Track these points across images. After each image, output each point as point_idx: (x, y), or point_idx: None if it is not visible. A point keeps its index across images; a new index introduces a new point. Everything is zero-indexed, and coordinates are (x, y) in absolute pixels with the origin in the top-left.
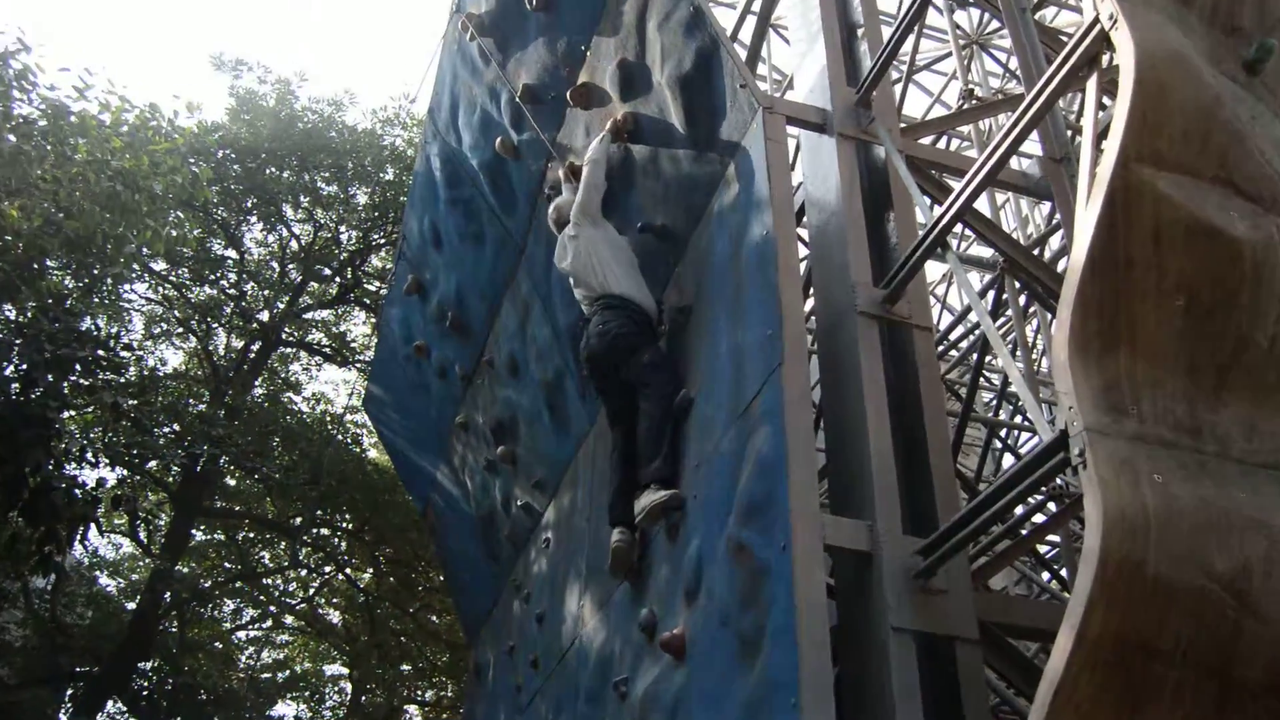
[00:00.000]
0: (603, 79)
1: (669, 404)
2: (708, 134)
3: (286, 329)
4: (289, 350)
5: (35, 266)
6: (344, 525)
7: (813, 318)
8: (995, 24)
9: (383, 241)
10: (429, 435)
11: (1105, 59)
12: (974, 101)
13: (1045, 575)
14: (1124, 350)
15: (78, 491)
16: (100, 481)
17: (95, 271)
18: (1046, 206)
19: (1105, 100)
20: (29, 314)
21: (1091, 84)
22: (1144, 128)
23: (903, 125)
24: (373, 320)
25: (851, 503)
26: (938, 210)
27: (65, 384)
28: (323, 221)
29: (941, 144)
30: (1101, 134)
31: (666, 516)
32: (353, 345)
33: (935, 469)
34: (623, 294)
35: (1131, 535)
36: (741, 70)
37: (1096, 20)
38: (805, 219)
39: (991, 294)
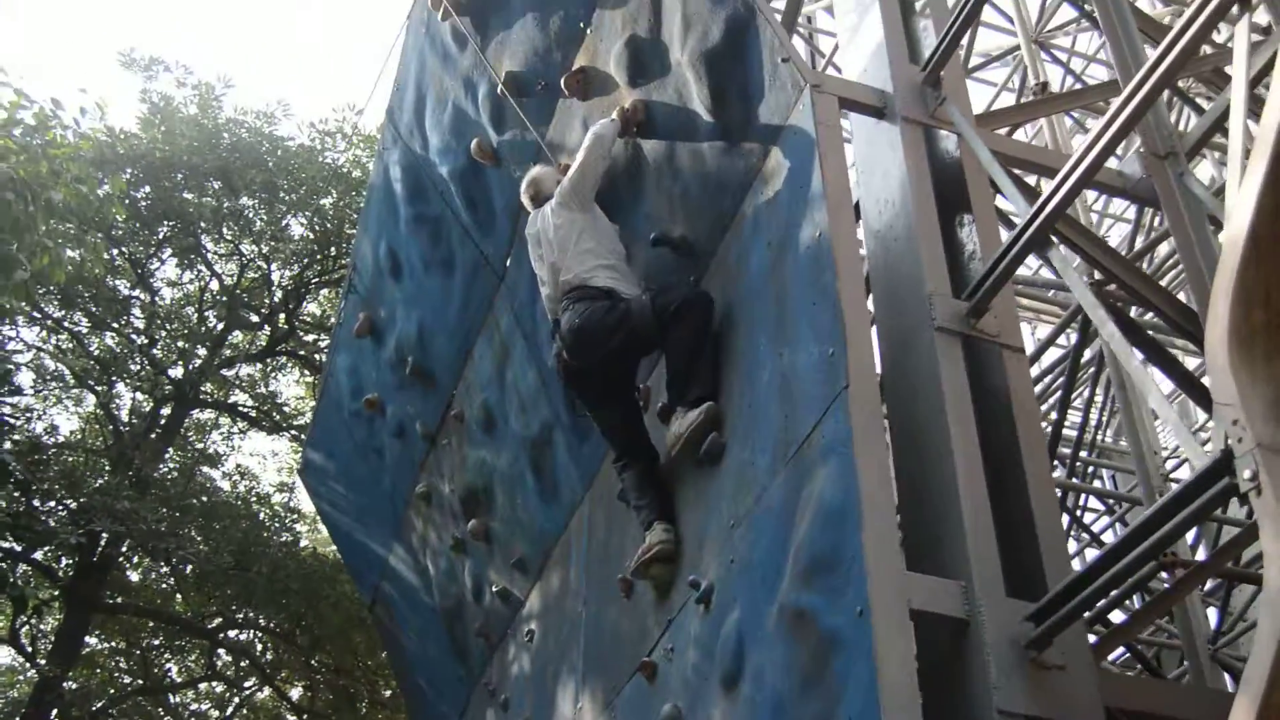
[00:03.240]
0: (606, 62)
1: (699, 312)
2: (740, 121)
3: (205, 387)
4: (206, 416)
5: None
6: (272, 626)
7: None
8: (1055, 21)
9: (319, 282)
10: (381, 510)
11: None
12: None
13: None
14: None
15: None
16: None
17: None
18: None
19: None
20: None
21: (1243, 26)
22: None
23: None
24: (308, 379)
25: (935, 559)
26: (1027, 208)
27: None
28: (250, 257)
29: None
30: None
31: (706, 437)
32: (284, 408)
33: (1039, 518)
34: (605, 288)
35: None
36: (784, 42)
37: None
38: (859, 223)
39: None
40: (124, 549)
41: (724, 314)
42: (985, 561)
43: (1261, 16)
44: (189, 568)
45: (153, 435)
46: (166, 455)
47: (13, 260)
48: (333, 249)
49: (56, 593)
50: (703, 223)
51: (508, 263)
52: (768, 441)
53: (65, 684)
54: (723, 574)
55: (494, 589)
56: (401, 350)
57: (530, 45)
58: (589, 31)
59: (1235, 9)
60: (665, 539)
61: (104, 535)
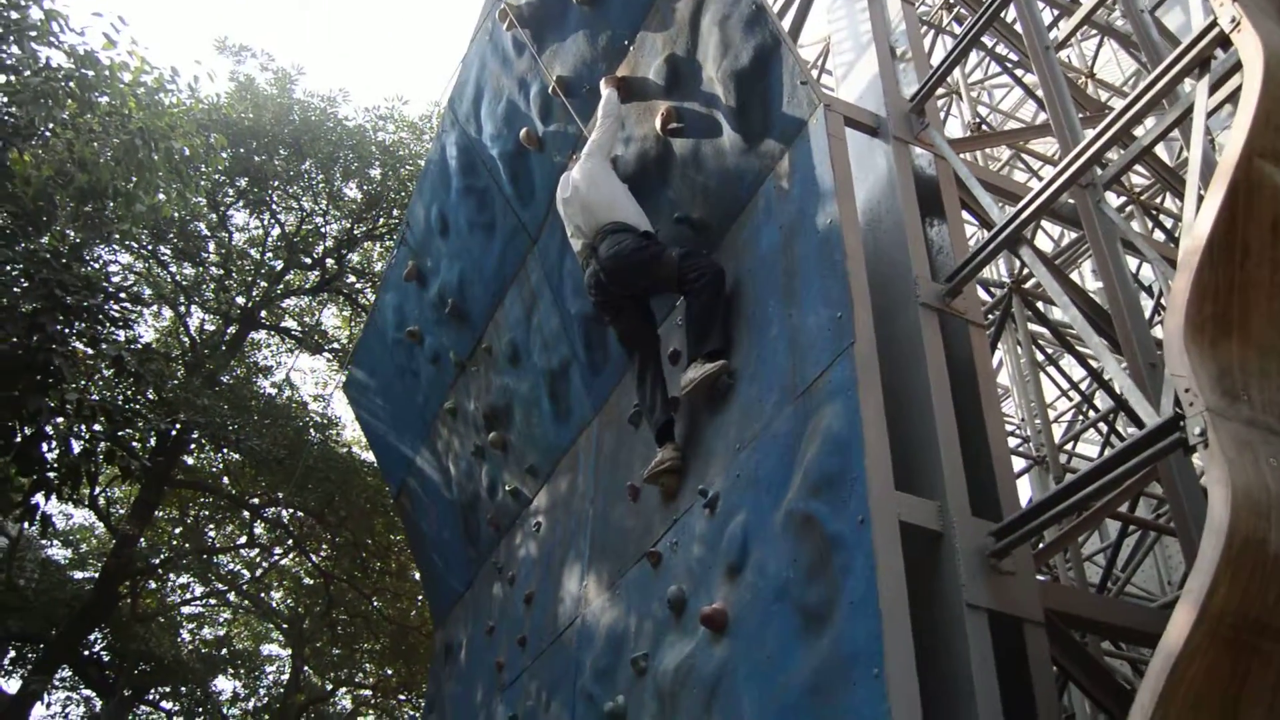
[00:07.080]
0: (645, 74)
1: (717, 284)
2: (760, 128)
3: (263, 313)
4: (259, 337)
5: (44, 218)
6: (310, 505)
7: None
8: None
9: (364, 235)
10: (412, 420)
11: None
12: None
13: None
14: (1236, 338)
15: (74, 442)
16: (95, 435)
17: (102, 226)
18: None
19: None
20: (39, 257)
21: (1203, 85)
22: (1267, 126)
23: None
24: (346, 313)
25: (915, 483)
26: (996, 213)
27: (71, 332)
28: (309, 211)
29: None
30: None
31: (715, 389)
32: (325, 334)
33: (995, 455)
34: (627, 221)
35: (1256, 512)
36: (802, 67)
37: (1214, 24)
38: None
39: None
40: (194, 437)
41: (736, 280)
42: (956, 487)
43: None
44: (246, 456)
45: (222, 348)
46: (230, 365)
47: (134, 196)
48: (377, 211)
49: (143, 465)
50: (719, 207)
51: (542, 230)
52: (774, 383)
53: (139, 543)
54: (728, 485)
55: (507, 488)
56: (443, 294)
57: (579, 56)
58: (631, 48)
59: (1192, 77)
60: (675, 455)
61: (177, 425)
